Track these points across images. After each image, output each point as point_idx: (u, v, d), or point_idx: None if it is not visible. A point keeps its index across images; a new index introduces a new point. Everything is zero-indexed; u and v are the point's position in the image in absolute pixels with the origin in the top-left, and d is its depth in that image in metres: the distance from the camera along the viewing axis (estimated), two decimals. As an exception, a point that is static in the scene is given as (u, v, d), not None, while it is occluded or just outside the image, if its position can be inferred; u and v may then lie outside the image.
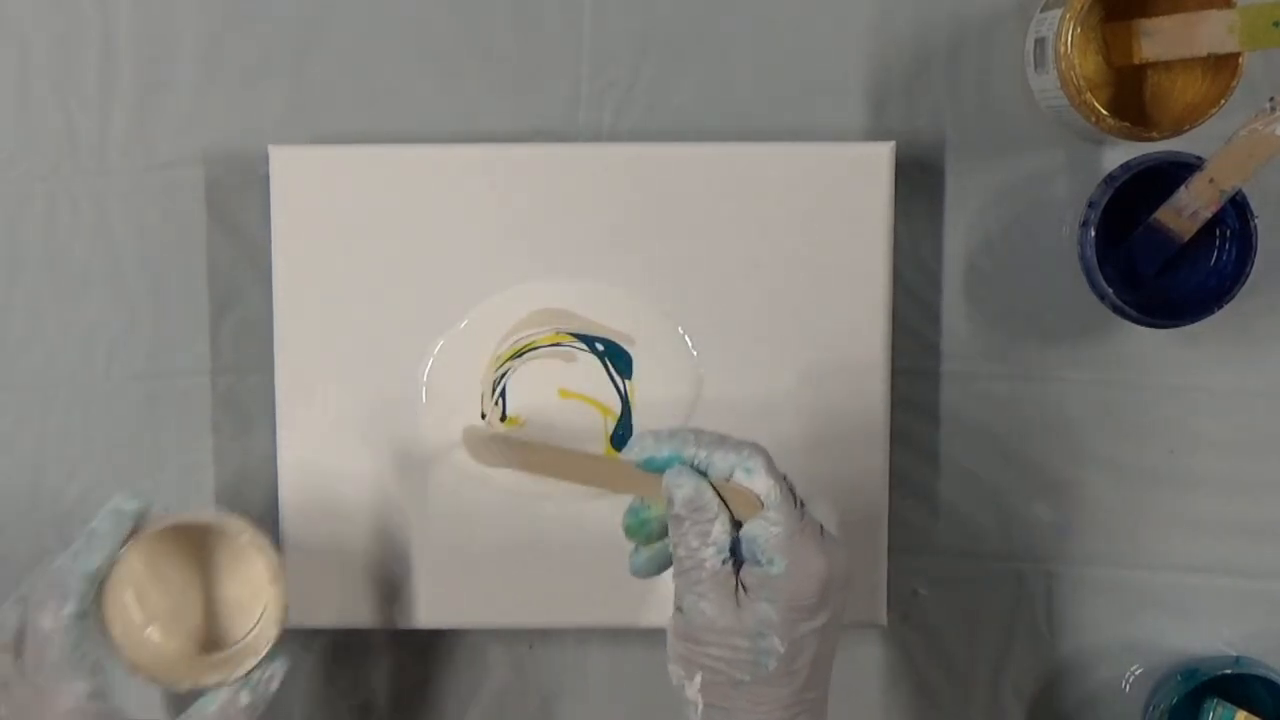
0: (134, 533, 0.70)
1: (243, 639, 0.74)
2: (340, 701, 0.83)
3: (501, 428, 0.79)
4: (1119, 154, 0.79)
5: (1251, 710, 0.77)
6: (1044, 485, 0.82)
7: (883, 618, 0.80)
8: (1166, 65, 0.77)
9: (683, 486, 0.66)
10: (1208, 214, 0.74)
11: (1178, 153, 0.75)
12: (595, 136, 0.81)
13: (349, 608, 0.80)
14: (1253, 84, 0.75)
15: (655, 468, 0.68)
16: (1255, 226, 0.75)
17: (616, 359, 0.79)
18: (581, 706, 0.83)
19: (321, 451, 0.79)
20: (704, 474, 0.67)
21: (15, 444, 0.82)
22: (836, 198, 0.78)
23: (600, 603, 0.79)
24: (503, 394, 0.79)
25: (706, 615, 0.66)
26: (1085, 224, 0.76)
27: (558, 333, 0.79)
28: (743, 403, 0.79)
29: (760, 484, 0.66)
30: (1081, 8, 0.74)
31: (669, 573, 0.68)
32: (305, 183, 0.78)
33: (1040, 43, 0.77)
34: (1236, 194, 0.74)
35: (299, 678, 0.82)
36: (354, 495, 0.79)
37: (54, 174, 0.81)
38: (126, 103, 0.80)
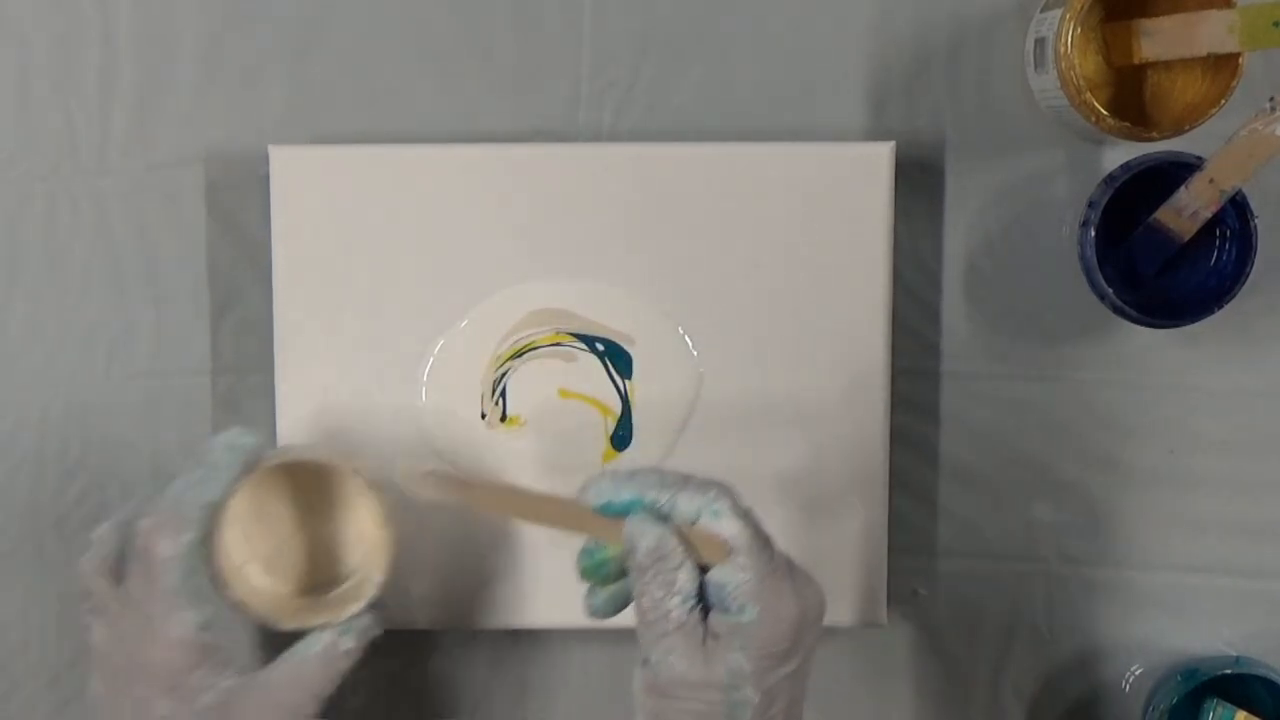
0: (245, 468, 0.70)
1: (345, 583, 0.73)
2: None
3: (502, 428, 0.79)
4: (1119, 154, 0.79)
5: (1251, 710, 0.77)
6: (1044, 485, 0.82)
7: (883, 618, 0.80)
8: (1166, 65, 0.77)
9: (645, 535, 0.64)
10: (1208, 214, 0.74)
11: (1178, 153, 0.75)
12: (595, 136, 0.81)
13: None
14: (1253, 84, 0.75)
15: (614, 512, 0.65)
16: (1255, 226, 0.75)
17: (616, 359, 0.79)
18: (567, 707, 0.83)
19: (321, 451, 0.79)
20: (667, 517, 0.65)
21: (15, 444, 0.82)
22: (836, 198, 0.78)
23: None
24: (503, 394, 0.79)
25: (676, 670, 0.63)
26: (1085, 224, 0.76)
27: (558, 333, 0.79)
28: (743, 403, 0.79)
29: (728, 527, 0.64)
30: (1081, 8, 0.74)
31: None
32: (305, 183, 0.78)
33: (1040, 43, 0.77)
34: (1236, 194, 0.74)
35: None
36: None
37: (54, 174, 0.81)
38: (126, 103, 0.80)
